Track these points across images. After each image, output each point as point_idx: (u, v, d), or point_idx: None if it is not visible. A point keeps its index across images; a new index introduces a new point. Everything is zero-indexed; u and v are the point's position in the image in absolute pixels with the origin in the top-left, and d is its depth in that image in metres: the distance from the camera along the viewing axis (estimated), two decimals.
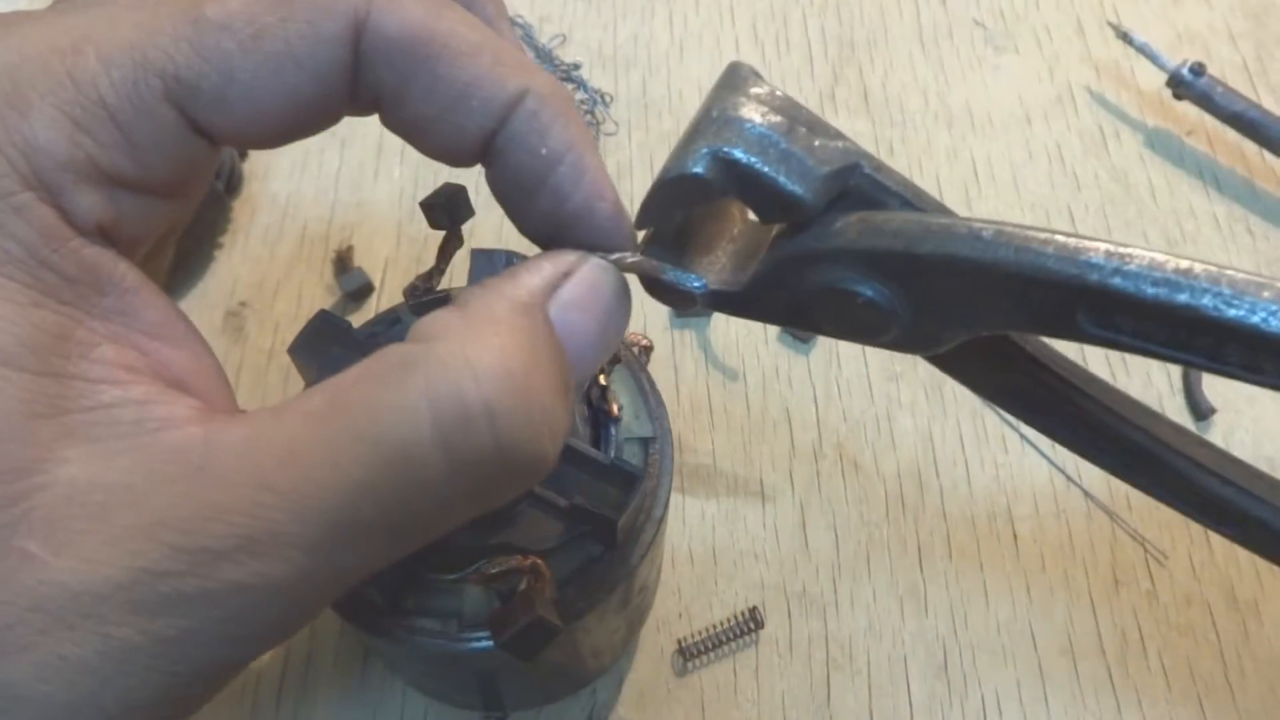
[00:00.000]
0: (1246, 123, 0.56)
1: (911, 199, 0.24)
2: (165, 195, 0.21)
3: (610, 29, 0.62)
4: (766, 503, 0.48)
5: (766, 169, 0.23)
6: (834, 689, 0.44)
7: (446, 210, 0.30)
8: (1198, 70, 0.56)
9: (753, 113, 0.23)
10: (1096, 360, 0.51)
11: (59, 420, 0.18)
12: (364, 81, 0.22)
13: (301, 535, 0.19)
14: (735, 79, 0.24)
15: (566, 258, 0.24)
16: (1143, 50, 0.57)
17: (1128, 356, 0.52)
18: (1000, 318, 0.22)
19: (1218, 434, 0.50)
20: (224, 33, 0.20)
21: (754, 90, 0.24)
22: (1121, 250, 0.20)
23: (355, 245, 0.53)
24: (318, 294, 0.52)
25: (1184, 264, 0.19)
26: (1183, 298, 0.19)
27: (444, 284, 0.33)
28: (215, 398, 0.22)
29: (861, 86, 0.61)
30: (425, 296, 0.33)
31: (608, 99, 0.58)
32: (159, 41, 0.20)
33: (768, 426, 0.50)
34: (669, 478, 0.33)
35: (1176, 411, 0.50)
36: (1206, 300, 0.19)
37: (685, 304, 0.26)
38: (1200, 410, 0.50)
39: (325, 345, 0.31)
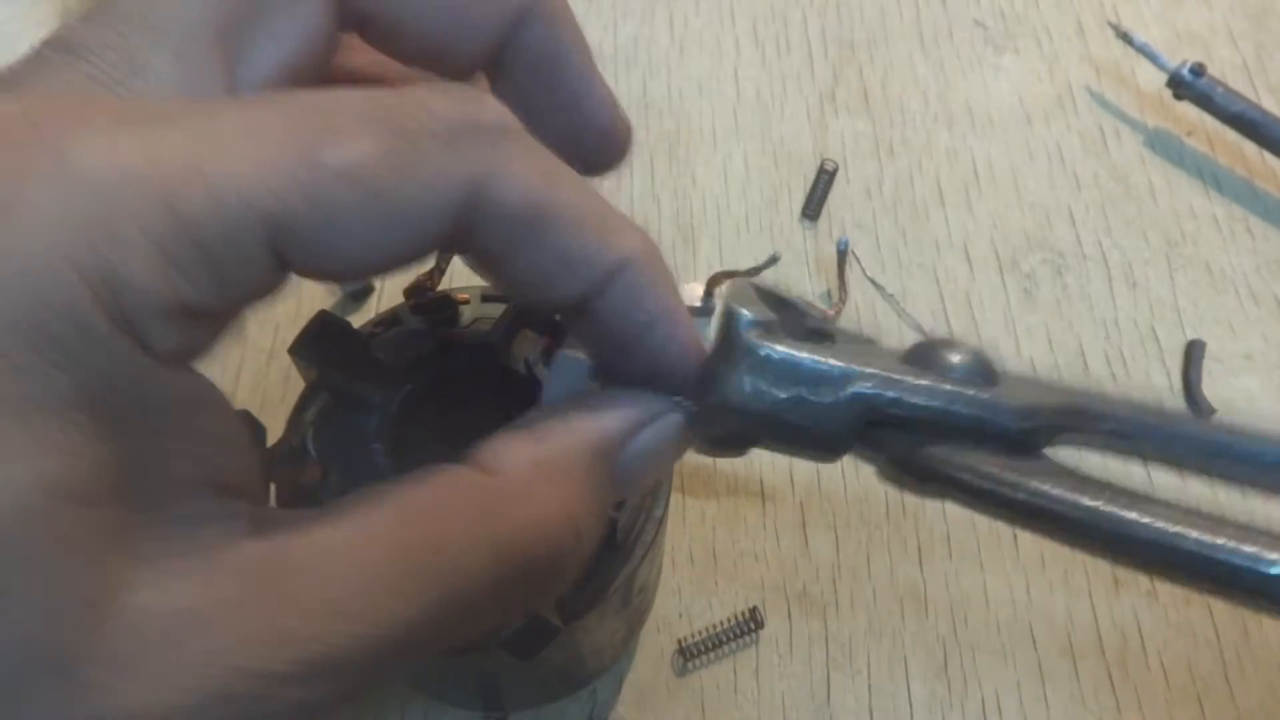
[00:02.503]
0: (1247, 123, 0.56)
1: (939, 418, 0.23)
2: (236, 315, 0.21)
3: (610, 29, 0.62)
4: (767, 503, 0.48)
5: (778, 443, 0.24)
6: (834, 689, 0.44)
7: None
8: (1198, 71, 0.56)
9: (748, 389, 0.24)
10: (1096, 359, 0.51)
11: (126, 545, 0.18)
12: (467, 243, 0.22)
13: (368, 658, 0.19)
14: (731, 339, 0.24)
15: (652, 405, 0.24)
16: (1143, 50, 0.57)
17: (1126, 353, 0.52)
18: None
19: None
20: (340, 183, 0.19)
21: (750, 353, 0.24)
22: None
23: None
24: (318, 294, 0.52)
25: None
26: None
27: (443, 284, 0.33)
28: (256, 492, 0.22)
29: (861, 87, 0.61)
30: (425, 296, 0.33)
31: None
32: (272, 182, 0.18)
33: None
34: (669, 477, 0.33)
35: None
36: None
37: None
38: (1200, 410, 0.50)
39: (325, 345, 0.31)
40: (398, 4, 0.25)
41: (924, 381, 0.23)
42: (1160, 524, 0.20)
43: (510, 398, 0.33)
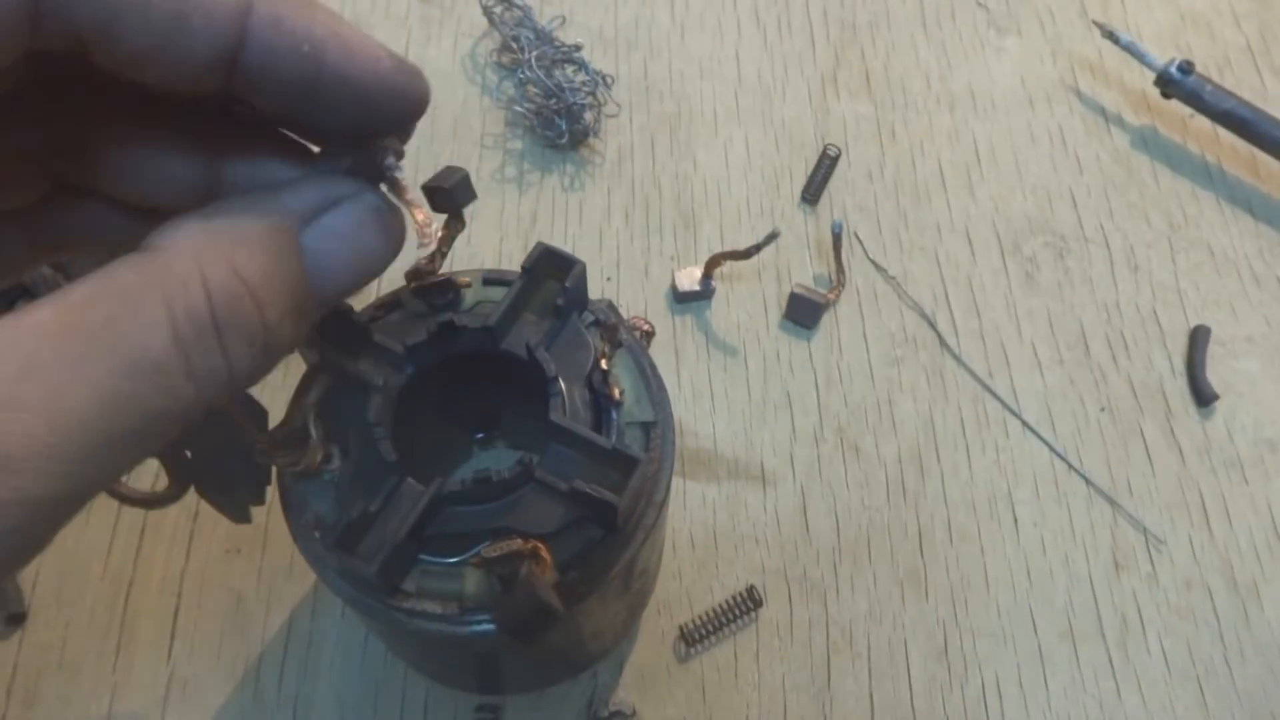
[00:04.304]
0: (1237, 120, 0.55)
1: None
2: None
3: (611, 11, 0.62)
4: (767, 487, 0.48)
5: None
6: (834, 672, 0.44)
7: (448, 193, 0.30)
8: (1185, 69, 0.55)
9: None
10: (1098, 342, 0.51)
11: None
12: (52, 30, 0.20)
13: (58, 447, 0.19)
14: None
15: (339, 189, 0.24)
16: (1129, 49, 0.57)
17: (1128, 336, 0.52)
18: None
19: (1219, 419, 0.50)
20: None
21: None
22: None
23: None
24: None
25: None
26: None
27: (445, 267, 0.33)
28: None
29: (863, 69, 0.60)
30: (427, 280, 0.32)
31: (609, 81, 0.58)
32: None
33: (769, 411, 0.50)
34: (670, 462, 0.33)
35: (1179, 395, 0.50)
36: None
37: None
38: (1203, 396, 0.50)
39: (327, 328, 0.31)
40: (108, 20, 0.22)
41: None
42: None
43: (511, 380, 0.33)
